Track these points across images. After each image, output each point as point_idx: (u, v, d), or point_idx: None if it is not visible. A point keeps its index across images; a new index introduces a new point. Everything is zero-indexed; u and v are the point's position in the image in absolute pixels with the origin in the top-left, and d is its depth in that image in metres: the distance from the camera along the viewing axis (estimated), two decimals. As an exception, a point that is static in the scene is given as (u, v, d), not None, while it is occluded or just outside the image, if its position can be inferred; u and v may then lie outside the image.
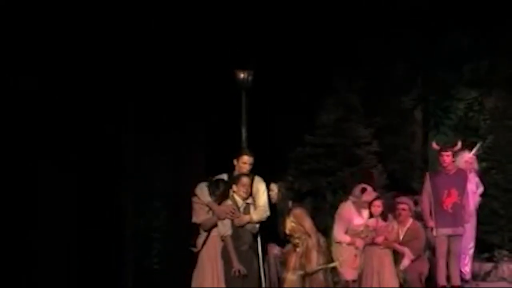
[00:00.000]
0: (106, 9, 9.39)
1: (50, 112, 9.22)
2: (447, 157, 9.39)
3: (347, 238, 8.92)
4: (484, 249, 10.28)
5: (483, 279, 10.17)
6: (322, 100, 11.23)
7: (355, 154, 10.77)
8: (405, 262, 8.86)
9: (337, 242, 8.99)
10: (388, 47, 11.65)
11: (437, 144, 9.64)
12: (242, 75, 10.10)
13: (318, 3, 10.88)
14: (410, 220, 9.23)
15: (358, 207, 8.99)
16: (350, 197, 9.03)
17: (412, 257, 8.88)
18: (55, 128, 9.23)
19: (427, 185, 9.41)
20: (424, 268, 9.17)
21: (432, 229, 9.36)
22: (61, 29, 9.16)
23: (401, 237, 9.05)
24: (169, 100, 9.90)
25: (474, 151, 9.93)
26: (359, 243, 8.84)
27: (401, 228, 9.12)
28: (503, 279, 10.28)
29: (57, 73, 9.30)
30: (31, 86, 9.04)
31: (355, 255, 8.91)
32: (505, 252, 10.98)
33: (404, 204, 9.25)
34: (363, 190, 8.98)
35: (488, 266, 10.42)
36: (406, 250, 8.92)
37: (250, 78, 10.16)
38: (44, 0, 8.95)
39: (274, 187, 8.02)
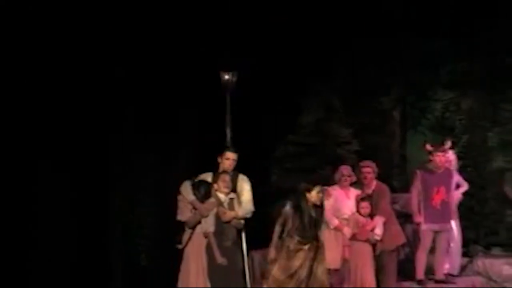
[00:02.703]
0: (95, 11, 9.31)
1: (43, 112, 9.15)
2: (440, 157, 9.45)
3: (335, 221, 8.92)
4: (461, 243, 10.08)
5: (459, 274, 10.03)
6: (304, 101, 11.27)
7: (336, 153, 10.77)
8: (378, 230, 8.70)
9: (326, 223, 8.96)
10: (367, 50, 11.63)
11: (431, 145, 9.67)
12: (226, 77, 10.02)
13: (300, 8, 10.83)
14: (375, 182, 9.17)
15: (343, 187, 9.01)
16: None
17: (382, 219, 8.72)
18: (47, 128, 9.19)
19: (418, 183, 9.43)
20: (400, 238, 9.09)
21: (418, 224, 9.40)
22: (50, 31, 9.06)
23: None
24: (157, 102, 9.87)
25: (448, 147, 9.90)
26: (347, 230, 8.81)
27: (367, 190, 9.08)
28: (478, 273, 10.21)
29: (50, 74, 9.22)
30: (23, 86, 8.94)
31: (343, 245, 8.88)
32: (480, 247, 11.01)
33: (368, 167, 9.17)
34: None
35: (463, 260, 10.29)
36: (375, 219, 8.77)
37: (234, 79, 10.08)
38: (32, 2, 8.83)
39: (317, 188, 7.83)
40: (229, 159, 8.21)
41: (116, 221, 9.49)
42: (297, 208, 7.73)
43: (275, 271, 7.72)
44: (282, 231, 7.82)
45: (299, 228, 7.67)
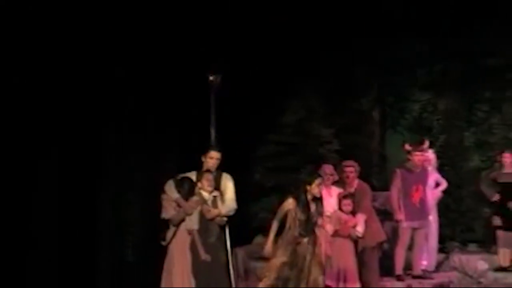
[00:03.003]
0: (82, 12, 9.26)
1: (32, 113, 9.09)
2: (418, 156, 9.60)
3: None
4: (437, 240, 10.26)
5: (436, 269, 10.20)
6: (286, 102, 11.27)
7: (317, 153, 10.79)
8: (359, 227, 8.75)
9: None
10: (347, 52, 11.66)
11: (410, 145, 9.80)
12: (211, 78, 10.06)
13: (283, 11, 10.85)
14: (357, 181, 9.25)
15: (326, 185, 9.02)
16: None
17: (364, 216, 8.80)
18: (37, 128, 9.12)
19: (398, 181, 9.55)
20: (381, 235, 9.19)
21: (399, 222, 9.52)
22: (40, 29, 9.01)
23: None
24: (144, 103, 9.87)
25: (426, 147, 10.03)
26: (329, 228, 8.83)
27: (349, 189, 9.16)
28: (454, 269, 10.34)
29: (37, 76, 9.19)
30: (14, 85, 8.91)
31: (325, 242, 8.76)
32: (456, 244, 11.15)
33: (351, 167, 9.25)
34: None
35: (440, 256, 10.47)
36: (357, 216, 8.81)
37: (218, 81, 10.13)
38: (18, 3, 8.77)
39: (317, 181, 7.93)
40: (212, 158, 8.27)
41: (104, 218, 9.47)
42: (299, 201, 7.78)
43: (276, 268, 7.77)
44: (279, 227, 7.85)
45: (300, 221, 7.74)
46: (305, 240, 7.80)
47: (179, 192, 8.15)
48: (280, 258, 7.78)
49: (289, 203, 7.84)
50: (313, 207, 7.84)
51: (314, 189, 7.80)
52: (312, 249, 7.82)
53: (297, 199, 7.84)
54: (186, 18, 10.04)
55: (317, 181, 7.84)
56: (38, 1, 8.92)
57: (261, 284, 7.87)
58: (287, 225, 7.83)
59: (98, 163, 9.52)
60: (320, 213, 7.96)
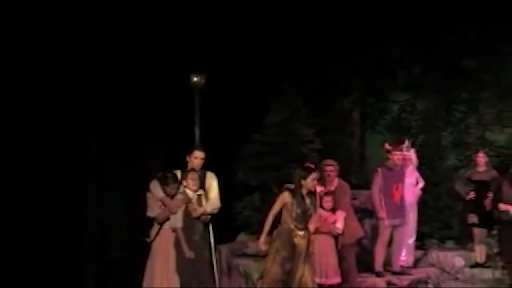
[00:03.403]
0: (71, 11, 9.20)
1: (20, 114, 9.05)
2: (399, 156, 9.65)
3: None
4: (415, 237, 10.29)
5: (414, 265, 10.26)
6: (269, 102, 11.24)
7: (299, 152, 10.77)
8: (339, 224, 8.74)
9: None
10: (329, 54, 11.73)
11: (389, 144, 9.86)
12: (195, 79, 10.07)
13: (265, 14, 10.89)
14: (337, 179, 9.24)
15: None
16: None
17: (344, 214, 8.80)
18: (25, 129, 9.07)
19: (379, 180, 9.58)
20: (359, 232, 9.20)
21: (381, 219, 9.56)
22: (23, 30, 8.94)
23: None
24: (130, 103, 9.83)
25: (404, 147, 10.09)
26: (310, 225, 8.65)
27: (329, 187, 9.13)
28: (432, 265, 10.41)
29: (23, 77, 9.13)
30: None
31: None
32: (434, 241, 11.19)
33: (331, 165, 9.24)
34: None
35: (418, 253, 10.54)
36: (337, 213, 8.81)
37: (203, 81, 10.15)
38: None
39: (312, 175, 7.88)
40: (197, 158, 8.26)
41: (90, 217, 9.45)
42: (295, 194, 7.75)
43: (278, 263, 7.73)
44: (274, 221, 7.80)
45: (297, 214, 7.72)
46: (301, 233, 7.79)
47: (164, 190, 8.15)
48: (281, 252, 7.74)
49: (286, 196, 7.81)
50: (307, 200, 7.82)
51: (309, 183, 7.77)
52: (306, 244, 7.81)
53: (293, 192, 7.82)
54: (170, 20, 10.05)
55: (312, 176, 7.81)
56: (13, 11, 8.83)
57: (266, 280, 7.83)
58: (283, 219, 7.80)
59: (84, 163, 9.49)
60: (314, 206, 7.94)
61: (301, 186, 7.77)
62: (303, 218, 7.78)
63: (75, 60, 9.36)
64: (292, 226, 7.74)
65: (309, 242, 7.90)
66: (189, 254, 7.87)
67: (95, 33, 9.49)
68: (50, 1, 9.10)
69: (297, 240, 7.76)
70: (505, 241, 9.75)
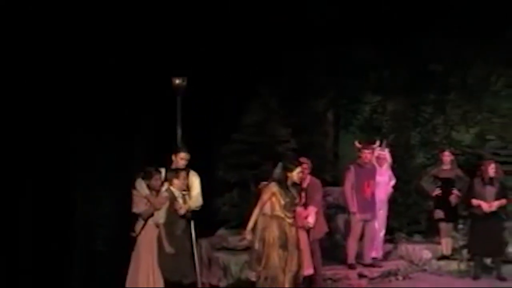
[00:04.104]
0: (54, 12, 9.06)
1: (9, 111, 8.93)
2: (368, 154, 9.74)
3: None
4: (386, 232, 10.40)
5: (385, 258, 10.36)
6: (247, 103, 11.27)
7: (276, 151, 10.81)
8: (310, 219, 8.69)
9: (263, 215, 9.14)
10: (304, 58, 11.75)
11: (360, 143, 9.95)
12: (177, 81, 10.10)
13: (244, 20, 10.91)
14: (309, 177, 9.25)
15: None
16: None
17: (315, 209, 8.81)
18: (12, 125, 8.97)
19: (351, 176, 9.66)
20: (326, 227, 9.22)
21: (353, 214, 9.64)
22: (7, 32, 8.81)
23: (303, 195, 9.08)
24: (116, 104, 9.78)
25: (376, 146, 10.20)
26: None
27: (302, 184, 9.03)
28: (401, 257, 10.54)
29: (10, 75, 9.01)
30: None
31: None
32: (403, 235, 11.29)
33: (305, 164, 9.24)
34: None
35: (389, 246, 10.65)
36: (309, 208, 8.76)
37: (184, 84, 10.17)
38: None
39: (297, 169, 7.96)
40: (183, 159, 8.37)
41: (78, 213, 9.38)
42: (281, 185, 7.80)
43: (273, 252, 7.74)
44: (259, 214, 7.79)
45: (286, 202, 7.76)
46: (290, 221, 7.83)
47: (148, 186, 8.22)
48: (276, 240, 7.74)
49: (273, 186, 7.86)
50: (293, 190, 7.88)
51: (294, 176, 7.84)
52: (295, 231, 7.84)
53: (279, 183, 7.87)
54: (153, 27, 10.00)
55: (297, 169, 7.89)
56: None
57: (268, 267, 7.79)
58: (271, 207, 7.81)
59: (72, 162, 9.40)
60: (299, 196, 7.99)
61: (286, 178, 7.84)
62: (291, 207, 7.86)
63: (61, 61, 9.23)
64: (282, 215, 7.80)
65: (296, 230, 7.96)
66: (169, 249, 7.90)
67: (80, 36, 9.36)
68: (32, 2, 8.94)
69: (287, 229, 7.82)
70: (477, 234, 9.88)
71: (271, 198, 7.81)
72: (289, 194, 7.85)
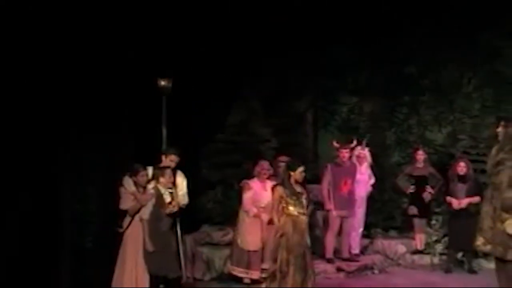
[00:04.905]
0: (37, 13, 8.94)
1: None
2: (345, 153, 9.81)
3: (254, 210, 9.08)
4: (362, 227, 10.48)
5: (361, 252, 10.43)
6: (230, 104, 11.30)
7: (257, 150, 10.85)
8: None
9: (245, 211, 9.14)
10: (285, 61, 11.78)
11: (337, 142, 10.01)
12: (163, 83, 10.11)
13: (229, 24, 10.91)
14: None
15: (261, 180, 9.20)
16: (255, 174, 9.27)
17: None
18: (1, 125, 8.89)
19: (328, 175, 9.74)
20: None
21: (329, 211, 9.72)
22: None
23: None
24: (104, 104, 9.73)
25: (353, 145, 10.27)
26: (264, 216, 8.97)
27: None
28: (377, 252, 10.66)
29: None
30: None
31: (260, 230, 9.05)
32: (379, 230, 11.42)
33: (283, 162, 9.24)
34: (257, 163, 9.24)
35: (365, 241, 10.73)
36: None
37: (169, 85, 10.18)
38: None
39: (300, 168, 7.90)
40: (173, 161, 8.45)
41: (66, 210, 9.32)
42: (285, 186, 7.74)
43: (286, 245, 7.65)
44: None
45: (293, 201, 7.69)
46: (303, 217, 7.74)
47: (135, 183, 8.25)
48: (291, 238, 7.62)
49: (279, 190, 7.80)
50: (297, 188, 7.81)
51: (296, 175, 7.79)
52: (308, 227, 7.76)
53: (282, 185, 7.83)
54: (141, 31, 9.98)
55: (300, 168, 7.85)
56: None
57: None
58: (284, 210, 7.72)
59: (60, 160, 9.34)
60: (305, 192, 7.92)
61: (289, 176, 7.80)
62: (301, 203, 7.76)
63: (47, 61, 9.10)
64: (296, 213, 7.72)
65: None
66: (149, 245, 7.88)
67: (66, 36, 9.25)
68: (19, 4, 8.83)
69: (303, 225, 7.73)
70: (451, 229, 10.02)
71: (281, 201, 7.75)
72: (295, 193, 7.78)
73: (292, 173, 7.78)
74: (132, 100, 10.06)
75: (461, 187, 9.92)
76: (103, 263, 8.69)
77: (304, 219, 7.73)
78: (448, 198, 9.98)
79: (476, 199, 9.70)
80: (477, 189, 9.80)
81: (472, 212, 9.78)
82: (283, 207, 7.68)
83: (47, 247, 9.05)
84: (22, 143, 8.87)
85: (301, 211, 7.75)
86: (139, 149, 9.92)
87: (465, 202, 9.85)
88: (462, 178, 9.95)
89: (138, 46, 10.11)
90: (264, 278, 8.66)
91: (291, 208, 7.69)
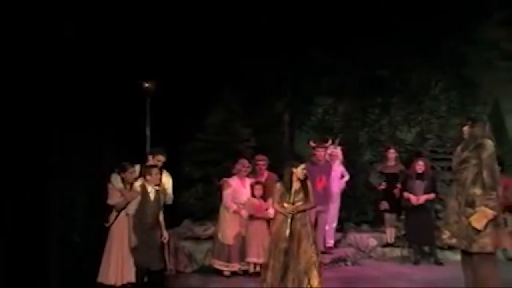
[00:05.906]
0: (20, 16, 8.85)
1: None
2: (321, 152, 9.92)
3: (233, 206, 9.14)
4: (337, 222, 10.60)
5: (335, 246, 10.54)
6: (210, 105, 11.31)
7: (237, 149, 10.89)
8: (271, 210, 8.55)
9: (225, 207, 9.21)
10: (263, 64, 11.84)
11: (314, 142, 10.11)
12: (147, 85, 10.12)
13: (209, 28, 10.97)
14: (267, 172, 9.46)
15: (241, 177, 9.26)
16: (234, 172, 9.34)
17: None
18: None
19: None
20: None
21: None
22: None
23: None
24: (90, 105, 9.69)
25: (328, 144, 10.42)
26: (244, 213, 9.07)
27: (260, 178, 9.33)
28: (350, 245, 10.74)
29: None
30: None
31: (239, 225, 9.11)
32: (352, 224, 11.56)
33: (262, 160, 9.48)
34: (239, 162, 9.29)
35: (338, 235, 10.83)
36: (269, 201, 8.68)
37: (153, 87, 10.20)
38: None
39: (302, 165, 7.83)
40: (160, 161, 8.48)
41: (53, 205, 9.28)
42: (284, 183, 7.68)
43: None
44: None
45: (296, 193, 7.65)
46: (298, 215, 7.61)
47: (123, 180, 8.30)
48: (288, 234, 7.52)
49: (279, 186, 7.75)
50: (298, 185, 7.70)
51: (298, 172, 7.71)
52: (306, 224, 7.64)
53: (281, 181, 7.78)
54: (124, 35, 9.96)
55: (302, 165, 7.76)
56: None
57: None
58: (280, 199, 7.69)
59: (47, 157, 9.29)
60: (306, 188, 7.78)
61: (291, 173, 7.72)
62: (299, 201, 7.67)
63: (34, 61, 8.99)
64: (290, 210, 7.58)
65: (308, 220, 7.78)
66: (133, 241, 7.86)
67: (51, 37, 9.15)
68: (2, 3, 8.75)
69: (297, 222, 7.61)
70: (410, 224, 10.18)
71: (282, 197, 7.70)
72: (294, 189, 7.72)
73: (294, 170, 7.72)
74: (118, 101, 10.01)
75: (419, 184, 10.08)
76: (91, 256, 8.64)
77: (298, 216, 7.55)
78: (406, 194, 10.11)
79: (431, 195, 9.92)
80: (434, 187, 10.01)
81: (428, 208, 9.99)
82: (278, 202, 7.67)
83: (35, 242, 8.99)
84: (8, 139, 8.74)
85: (294, 207, 7.56)
86: (123, 147, 9.87)
87: (422, 198, 10.00)
88: (420, 176, 10.11)
89: (123, 50, 10.08)
90: (244, 271, 8.79)
91: (285, 204, 7.65)
